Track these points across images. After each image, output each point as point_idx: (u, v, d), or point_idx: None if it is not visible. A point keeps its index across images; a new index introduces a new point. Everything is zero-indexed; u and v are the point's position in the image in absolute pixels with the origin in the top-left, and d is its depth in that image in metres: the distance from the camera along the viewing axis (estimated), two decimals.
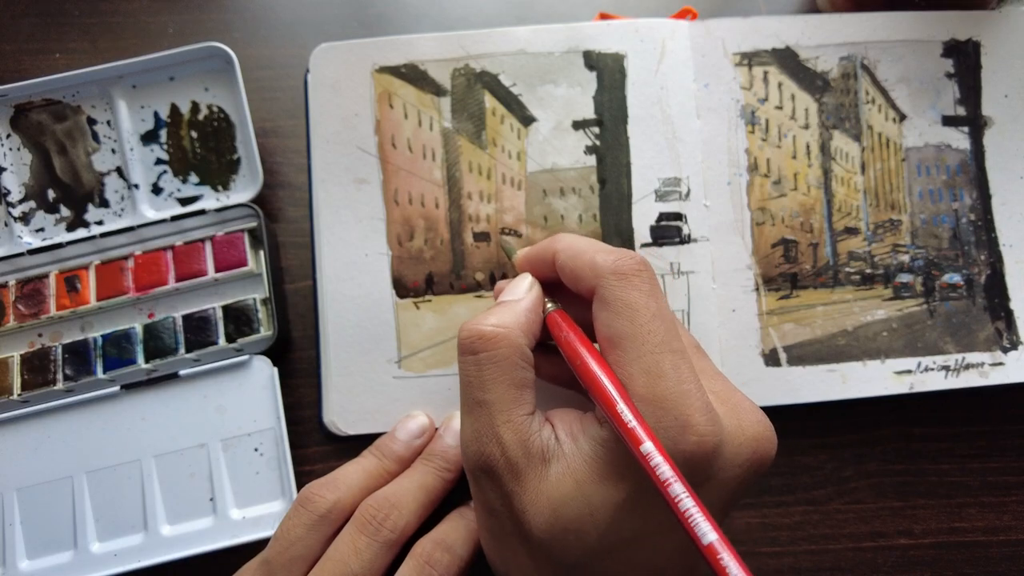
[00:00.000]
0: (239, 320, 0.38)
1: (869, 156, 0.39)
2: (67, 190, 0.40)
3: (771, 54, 0.39)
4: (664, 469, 0.22)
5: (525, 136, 0.38)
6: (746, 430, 0.26)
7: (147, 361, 0.38)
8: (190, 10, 0.44)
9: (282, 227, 0.41)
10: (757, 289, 0.38)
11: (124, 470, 0.37)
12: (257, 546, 0.34)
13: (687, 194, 0.38)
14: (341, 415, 0.37)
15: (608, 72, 0.38)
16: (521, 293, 0.29)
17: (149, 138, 0.40)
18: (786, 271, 0.38)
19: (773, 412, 0.37)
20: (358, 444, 0.36)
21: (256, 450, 0.37)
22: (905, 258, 0.38)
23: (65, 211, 0.40)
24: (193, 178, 0.40)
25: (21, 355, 0.38)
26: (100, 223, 0.40)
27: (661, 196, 0.38)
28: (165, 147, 0.40)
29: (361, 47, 0.39)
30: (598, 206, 0.38)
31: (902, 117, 0.39)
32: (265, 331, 0.38)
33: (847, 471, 0.38)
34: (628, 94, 0.38)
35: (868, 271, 0.38)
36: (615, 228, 0.38)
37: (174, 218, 0.39)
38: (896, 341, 0.37)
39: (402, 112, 0.38)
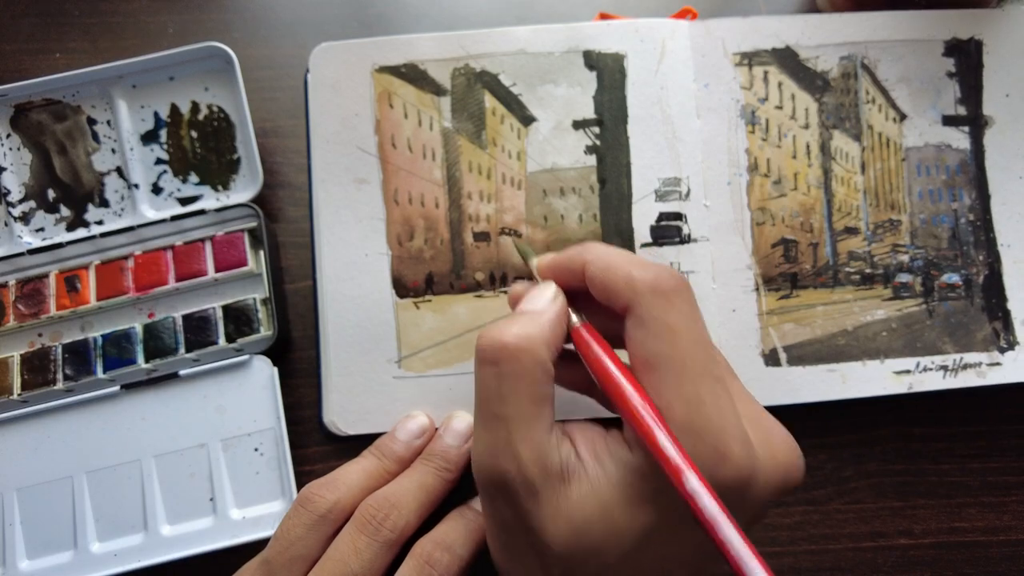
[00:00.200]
0: (239, 320, 0.38)
1: (869, 156, 0.39)
2: (67, 190, 0.40)
3: (771, 54, 0.39)
4: (713, 510, 0.23)
5: (525, 136, 0.38)
6: (778, 458, 0.26)
7: (147, 361, 0.38)
8: (190, 10, 0.44)
9: (282, 227, 0.41)
10: (757, 289, 0.38)
11: (124, 470, 0.37)
12: (257, 546, 0.34)
13: (687, 194, 0.38)
14: (341, 415, 0.37)
15: (608, 72, 0.38)
16: (545, 303, 0.28)
17: (149, 138, 0.40)
18: (786, 271, 0.38)
19: (773, 412, 0.37)
20: (358, 444, 0.36)
21: (256, 450, 0.37)
22: (904, 258, 0.38)
23: (65, 211, 0.40)
24: (193, 178, 0.40)
25: (21, 355, 0.38)
26: (100, 223, 0.40)
27: (661, 196, 0.38)
28: (165, 147, 0.40)
29: (361, 47, 0.38)
30: (598, 206, 0.38)
31: (902, 117, 0.39)
32: (265, 331, 0.38)
33: (847, 471, 0.38)
34: (628, 94, 0.38)
35: (868, 271, 0.38)
36: (615, 228, 0.38)
37: (174, 218, 0.39)
38: (895, 341, 0.37)
39: (402, 112, 0.38)
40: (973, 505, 0.38)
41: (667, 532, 0.25)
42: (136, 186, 0.40)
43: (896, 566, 0.37)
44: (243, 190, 0.40)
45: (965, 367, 0.37)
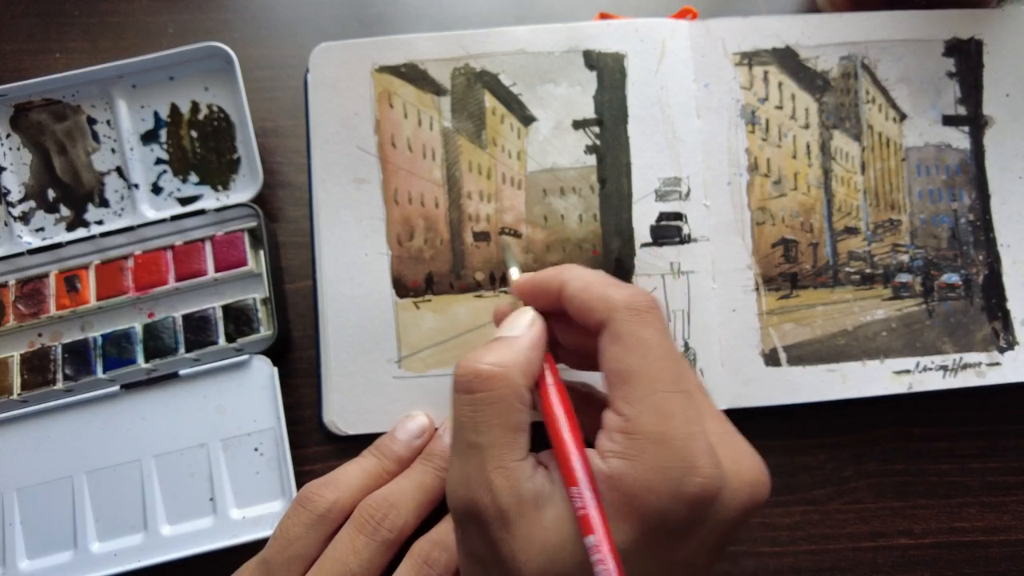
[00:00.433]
0: (239, 320, 0.38)
1: (869, 156, 0.39)
2: (67, 190, 0.40)
3: (771, 54, 0.39)
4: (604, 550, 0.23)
5: (525, 136, 0.38)
6: (743, 475, 0.26)
7: (147, 361, 0.38)
8: (190, 10, 0.44)
9: (282, 227, 0.41)
10: (757, 289, 0.38)
11: (124, 470, 0.37)
12: (257, 546, 0.34)
13: (687, 194, 0.38)
14: (341, 415, 0.37)
15: (608, 72, 0.38)
16: (522, 329, 0.28)
17: (149, 138, 0.40)
18: (786, 271, 0.38)
19: (773, 412, 0.37)
20: (358, 444, 0.36)
21: (256, 450, 0.37)
22: (904, 258, 0.38)
23: (65, 211, 0.40)
24: (193, 178, 0.40)
25: (21, 355, 0.38)
26: (100, 223, 0.40)
27: (661, 196, 0.38)
28: (165, 147, 0.40)
29: (361, 47, 0.39)
30: (598, 206, 0.38)
31: (902, 117, 0.39)
32: (265, 331, 0.38)
33: (847, 471, 0.38)
34: (628, 94, 0.38)
35: (868, 271, 0.38)
36: (615, 228, 0.38)
37: (174, 218, 0.39)
38: (895, 341, 0.37)
39: (402, 112, 0.38)
40: (973, 505, 0.38)
41: (642, 549, 0.25)
42: (136, 186, 0.40)
43: (896, 566, 0.37)
44: (243, 190, 0.40)
45: (965, 367, 0.37)
